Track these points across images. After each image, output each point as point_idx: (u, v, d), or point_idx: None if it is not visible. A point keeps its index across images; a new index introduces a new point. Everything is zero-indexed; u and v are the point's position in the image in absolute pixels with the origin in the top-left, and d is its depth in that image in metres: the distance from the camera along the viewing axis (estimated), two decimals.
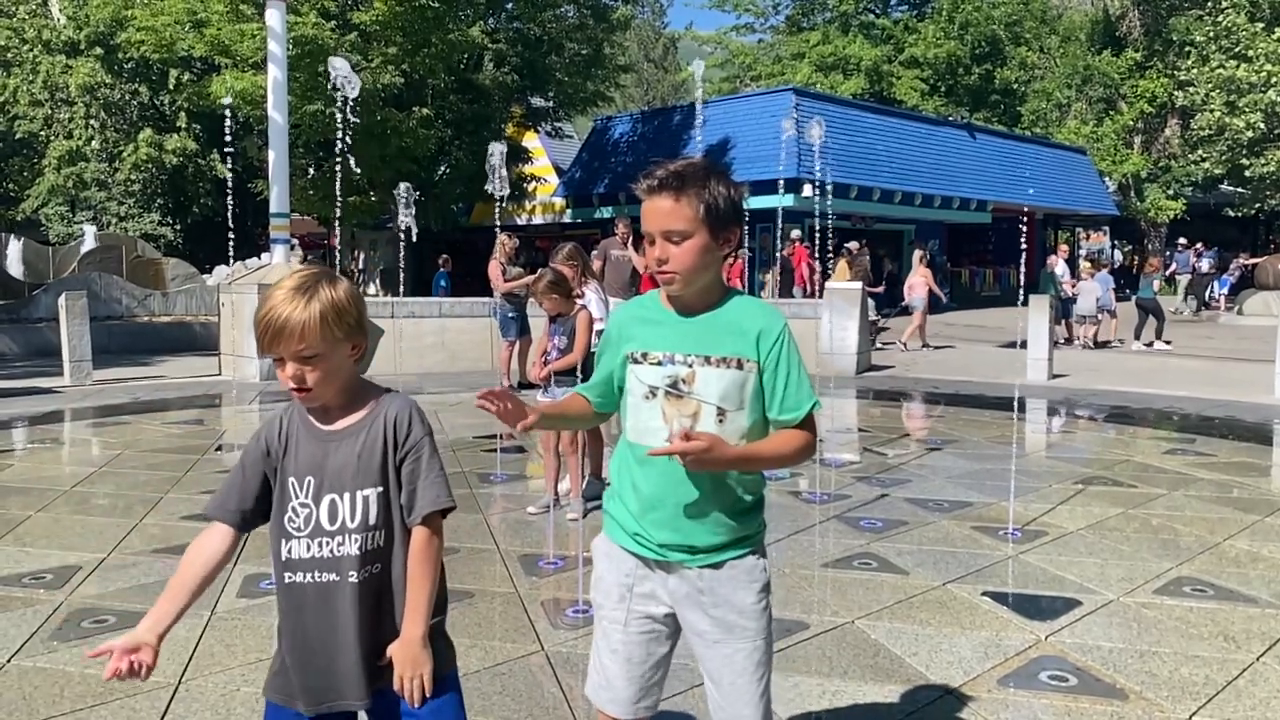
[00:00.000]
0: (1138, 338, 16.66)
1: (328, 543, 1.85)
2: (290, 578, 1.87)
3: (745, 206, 2.05)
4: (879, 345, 16.66)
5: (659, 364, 1.99)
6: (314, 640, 1.86)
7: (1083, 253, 31.65)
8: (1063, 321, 17.02)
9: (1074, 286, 17.50)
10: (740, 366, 1.97)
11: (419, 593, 1.86)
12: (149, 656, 1.75)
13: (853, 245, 18.00)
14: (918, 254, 17.64)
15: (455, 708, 1.94)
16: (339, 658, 1.86)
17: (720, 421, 1.97)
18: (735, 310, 2.02)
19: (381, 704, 1.90)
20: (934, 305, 17.26)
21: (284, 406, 1.97)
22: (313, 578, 1.86)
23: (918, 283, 16.83)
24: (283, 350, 1.82)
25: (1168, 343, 16.47)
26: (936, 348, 16.37)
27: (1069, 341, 17.06)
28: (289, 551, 1.87)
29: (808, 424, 2.01)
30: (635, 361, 2.02)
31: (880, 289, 19.55)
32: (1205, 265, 26.67)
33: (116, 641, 1.75)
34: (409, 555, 1.88)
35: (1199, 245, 27.21)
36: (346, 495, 1.86)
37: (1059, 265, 18.08)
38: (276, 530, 1.89)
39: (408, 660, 1.85)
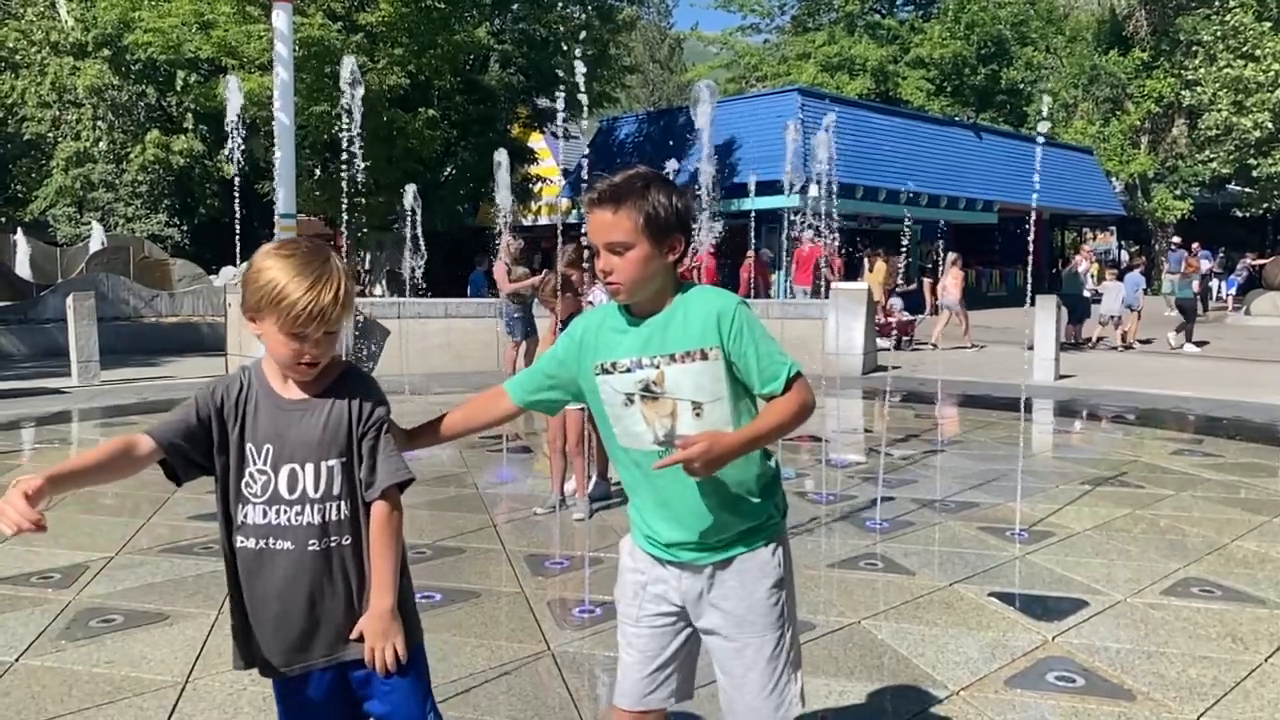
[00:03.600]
0: (1189, 338, 16.58)
1: (285, 511, 1.87)
2: (242, 542, 1.88)
3: (691, 214, 2.06)
4: (916, 345, 16.70)
5: (628, 370, 2.01)
6: (274, 604, 1.88)
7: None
8: (1080, 322, 16.97)
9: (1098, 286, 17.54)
10: (705, 357, 1.98)
11: (384, 565, 1.90)
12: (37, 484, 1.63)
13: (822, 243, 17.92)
14: (951, 255, 17.67)
15: (424, 679, 2.00)
16: (299, 622, 1.88)
17: (698, 416, 1.98)
18: (689, 303, 2.02)
19: (353, 678, 1.94)
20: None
21: (242, 370, 1.95)
22: (266, 544, 1.87)
23: (950, 283, 16.88)
24: (322, 328, 1.82)
25: (1198, 344, 16.40)
26: (941, 348, 16.34)
27: (1085, 342, 16.94)
28: (244, 516, 1.87)
29: (796, 386, 1.99)
30: (606, 372, 2.04)
31: (913, 287, 19.50)
32: (1204, 265, 26.52)
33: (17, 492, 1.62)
34: (370, 530, 1.91)
35: (1195, 245, 27.10)
36: (309, 465, 1.87)
37: (1083, 265, 18.04)
38: (232, 494, 1.89)
39: (378, 632, 1.89)
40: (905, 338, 17.12)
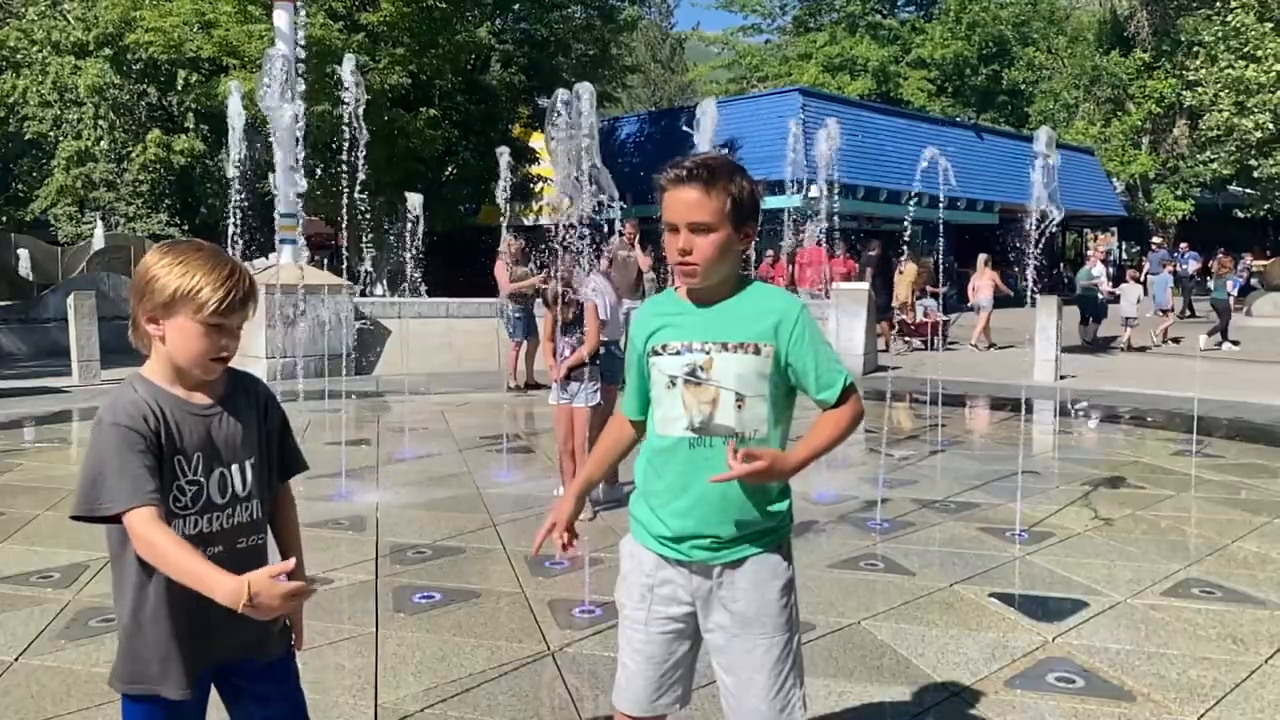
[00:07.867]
0: (1225, 337, 16.64)
1: (218, 517, 1.86)
2: None
3: (761, 204, 2.07)
4: (950, 345, 16.73)
5: (678, 353, 2.02)
6: (195, 612, 1.80)
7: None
8: (1090, 322, 16.96)
9: (1112, 288, 17.59)
10: (758, 351, 1.98)
11: (299, 541, 2.06)
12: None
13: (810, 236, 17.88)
14: (982, 256, 17.69)
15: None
16: (215, 621, 1.80)
17: (739, 407, 1.98)
18: (752, 297, 2.04)
19: (252, 669, 1.94)
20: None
21: (131, 391, 1.82)
22: (201, 553, 1.79)
23: (983, 284, 16.91)
24: (241, 318, 1.83)
25: (1235, 343, 16.43)
26: (1003, 347, 16.40)
27: (1108, 341, 16.91)
28: (177, 530, 1.79)
29: (850, 399, 2.01)
30: (656, 354, 2.05)
31: (944, 288, 19.48)
32: (1192, 267, 26.46)
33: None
34: (287, 507, 2.07)
35: (1182, 245, 27.04)
36: (235, 466, 1.88)
37: (1096, 266, 18.03)
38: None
39: (304, 597, 1.86)
40: (938, 337, 17.11)
